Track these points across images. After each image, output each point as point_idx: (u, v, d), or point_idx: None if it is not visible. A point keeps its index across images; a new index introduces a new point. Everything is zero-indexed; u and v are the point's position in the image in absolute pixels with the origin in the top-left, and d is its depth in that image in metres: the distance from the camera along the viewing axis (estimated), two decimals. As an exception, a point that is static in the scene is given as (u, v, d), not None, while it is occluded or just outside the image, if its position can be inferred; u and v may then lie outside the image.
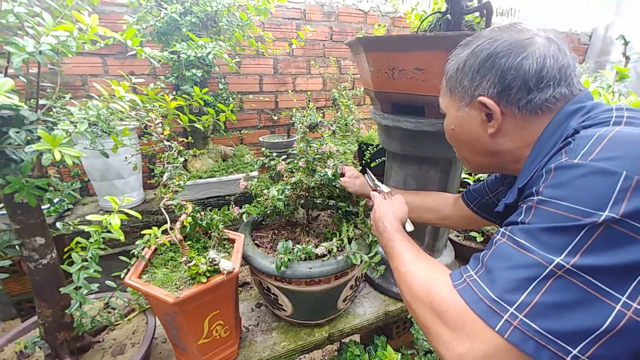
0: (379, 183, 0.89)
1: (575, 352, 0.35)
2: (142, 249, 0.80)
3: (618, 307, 0.34)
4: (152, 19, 1.24)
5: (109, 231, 0.65)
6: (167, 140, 0.72)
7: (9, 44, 0.53)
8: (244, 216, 1.04)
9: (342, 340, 1.76)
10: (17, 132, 0.58)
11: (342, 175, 1.01)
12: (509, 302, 0.39)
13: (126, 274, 0.79)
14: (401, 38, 0.83)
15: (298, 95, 2.17)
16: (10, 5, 0.53)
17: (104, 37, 0.66)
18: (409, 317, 1.09)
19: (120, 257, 0.79)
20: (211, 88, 1.64)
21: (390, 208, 0.77)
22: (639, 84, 3.10)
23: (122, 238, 0.63)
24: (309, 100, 2.12)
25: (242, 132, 2.08)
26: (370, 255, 0.90)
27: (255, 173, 1.52)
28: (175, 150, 0.73)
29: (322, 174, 0.88)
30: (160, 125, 0.68)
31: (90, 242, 0.62)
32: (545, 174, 0.44)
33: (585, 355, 0.35)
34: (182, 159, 0.75)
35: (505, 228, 0.46)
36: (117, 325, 0.92)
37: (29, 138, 0.59)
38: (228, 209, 1.02)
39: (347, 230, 0.89)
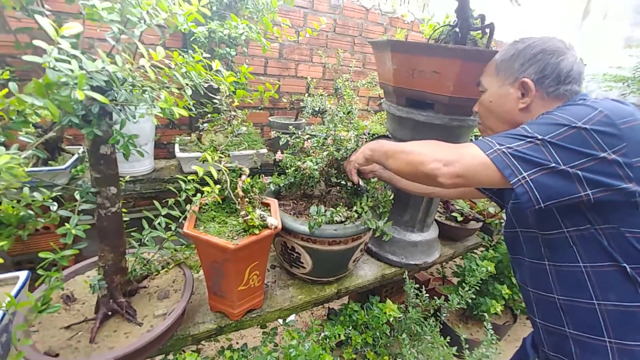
0: None
1: (525, 173, 0.62)
2: (196, 204, 0.91)
3: (555, 164, 0.61)
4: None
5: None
6: (234, 111, 0.83)
7: (129, 13, 0.61)
8: (271, 185, 1.18)
9: (330, 307, 1.97)
10: (118, 92, 0.67)
11: None
12: (500, 144, 0.66)
13: (177, 227, 0.90)
14: (426, 45, 1.01)
15: (299, 81, 2.29)
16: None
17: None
18: (403, 278, 1.30)
19: (144, 220, 0.89)
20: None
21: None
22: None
23: (215, 187, 0.74)
24: (309, 87, 2.24)
25: (243, 111, 2.15)
26: (382, 222, 1.08)
27: (264, 150, 1.63)
28: (241, 120, 0.85)
29: (349, 148, 1.03)
30: (230, 97, 0.79)
31: (185, 190, 0.73)
32: None
33: (530, 178, 0.62)
34: (244, 128, 0.87)
35: None
36: (157, 275, 1.02)
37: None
38: (251, 179, 1.14)
39: (366, 201, 1.06)
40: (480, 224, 1.63)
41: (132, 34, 0.61)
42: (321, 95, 1.70)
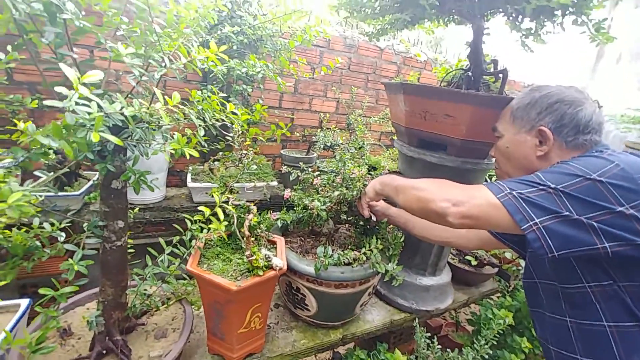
0: None
1: (537, 219, 0.61)
2: (202, 240, 0.90)
3: (568, 213, 0.59)
4: (206, 34, 1.37)
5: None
6: (245, 150, 0.84)
7: (151, 58, 0.64)
8: (278, 221, 1.16)
9: (335, 350, 1.86)
10: (132, 130, 0.68)
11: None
12: (511, 189, 0.64)
13: (181, 262, 0.88)
14: (438, 89, 1.01)
15: (312, 115, 2.34)
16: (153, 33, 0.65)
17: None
18: (413, 325, 1.22)
19: (149, 249, 0.88)
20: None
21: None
22: (606, 141, 3.52)
23: (220, 225, 0.73)
24: (321, 121, 2.28)
25: (254, 146, 2.19)
26: (392, 265, 1.03)
27: (274, 183, 1.63)
28: (251, 159, 0.85)
29: (359, 189, 1.02)
30: (242, 136, 0.80)
31: (190, 229, 0.72)
32: None
33: (542, 225, 0.60)
34: (255, 167, 0.87)
35: None
36: (156, 311, 0.99)
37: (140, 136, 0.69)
38: (260, 215, 1.13)
39: (376, 242, 1.02)
40: (496, 269, 1.55)
41: (152, 76, 0.63)
42: (333, 130, 1.72)
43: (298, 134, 2.16)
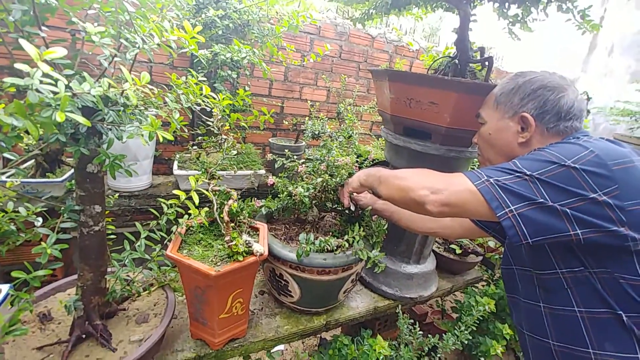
0: None
1: (512, 207, 0.61)
2: (182, 226, 0.89)
3: (543, 199, 0.60)
4: (191, 18, 1.34)
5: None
6: (225, 135, 0.83)
7: (123, 38, 0.63)
8: (262, 209, 1.16)
9: (322, 337, 1.89)
10: (107, 113, 0.67)
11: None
12: (489, 176, 0.65)
13: (162, 249, 0.88)
14: (422, 76, 1.01)
15: (303, 103, 2.32)
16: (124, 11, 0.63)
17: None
18: (396, 312, 1.24)
19: (125, 234, 0.87)
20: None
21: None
22: (595, 132, 3.57)
23: (196, 211, 0.72)
24: (311, 110, 2.27)
25: (245, 131, 2.17)
26: (374, 253, 1.04)
27: (262, 171, 1.62)
28: (231, 144, 0.84)
29: (343, 177, 1.02)
30: (222, 120, 0.79)
31: (166, 213, 0.71)
32: None
33: (517, 212, 0.61)
34: (235, 152, 0.86)
35: None
36: (138, 296, 0.99)
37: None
38: (242, 201, 1.13)
39: (359, 230, 1.03)
40: (480, 257, 1.57)
41: (124, 57, 0.61)
42: (322, 118, 1.71)
43: (287, 123, 2.14)
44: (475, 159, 1.13)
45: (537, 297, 0.75)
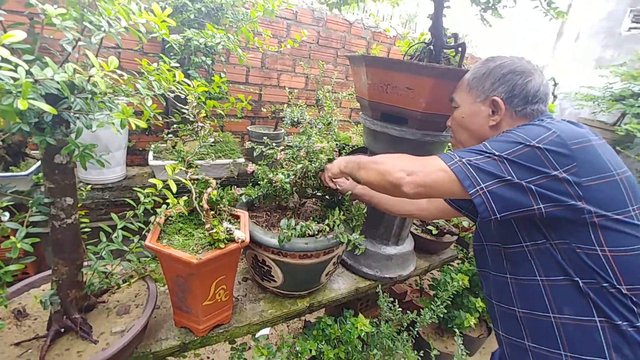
0: None
1: (483, 184, 0.66)
2: (161, 216, 0.88)
3: (510, 177, 0.65)
4: (161, 0, 1.28)
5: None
6: (201, 122, 0.81)
7: (87, 20, 0.60)
8: (243, 197, 1.16)
9: (306, 319, 1.93)
10: (74, 100, 0.64)
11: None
12: (461, 157, 0.69)
13: (140, 239, 0.87)
14: (398, 62, 1.02)
15: (281, 91, 2.29)
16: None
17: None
18: (377, 292, 1.29)
19: (101, 225, 0.85)
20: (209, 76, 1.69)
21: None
22: (561, 117, 3.75)
23: (174, 200, 0.71)
24: (290, 97, 2.25)
25: (223, 119, 2.13)
26: (355, 236, 1.07)
27: (242, 159, 1.61)
28: (208, 131, 0.83)
29: (323, 162, 1.03)
30: (197, 107, 0.78)
31: (143, 202, 0.70)
32: None
33: (487, 189, 0.65)
34: (212, 139, 0.85)
35: None
36: (118, 289, 0.98)
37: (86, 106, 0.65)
38: (222, 190, 1.12)
39: (339, 214, 1.05)
40: (455, 237, 1.65)
41: (89, 41, 0.59)
42: (300, 106, 1.70)
43: (265, 110, 2.11)
44: (450, 143, 1.17)
45: (504, 269, 0.81)
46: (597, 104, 2.93)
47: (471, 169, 0.68)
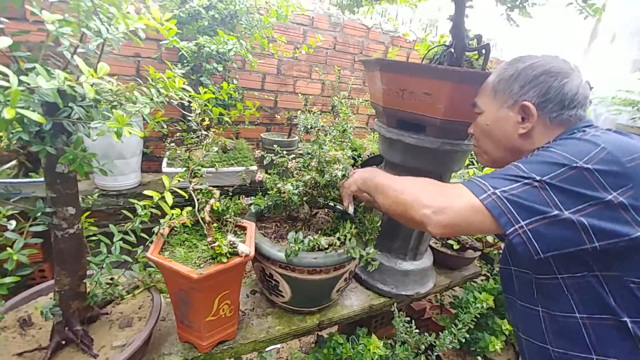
0: None
1: (522, 222, 0.56)
2: (164, 227, 0.86)
3: (557, 211, 0.55)
4: (176, 9, 1.28)
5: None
6: (205, 130, 0.78)
7: (83, 26, 0.58)
8: (251, 207, 1.12)
9: (319, 334, 1.86)
10: (71, 109, 0.62)
11: None
12: (494, 187, 0.59)
13: (144, 250, 0.84)
14: (415, 65, 0.96)
15: (297, 97, 2.26)
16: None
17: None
18: (392, 310, 1.21)
19: (100, 237, 0.83)
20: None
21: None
22: (596, 123, 3.50)
23: (171, 211, 0.68)
24: (306, 103, 2.21)
25: (238, 126, 2.12)
26: (368, 250, 1.00)
27: (254, 167, 1.58)
28: (211, 140, 0.80)
29: (333, 175, 0.97)
30: (201, 115, 0.75)
31: (139, 215, 0.67)
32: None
33: (528, 227, 0.56)
34: (216, 148, 0.82)
35: None
36: (122, 300, 0.96)
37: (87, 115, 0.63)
38: (230, 199, 1.08)
39: (350, 227, 0.99)
40: (479, 253, 1.54)
41: (87, 47, 0.57)
42: (314, 112, 1.66)
43: (279, 117, 2.09)
44: (472, 152, 1.08)
45: (535, 300, 0.71)
46: (638, 109, 2.71)
47: (508, 203, 0.57)
